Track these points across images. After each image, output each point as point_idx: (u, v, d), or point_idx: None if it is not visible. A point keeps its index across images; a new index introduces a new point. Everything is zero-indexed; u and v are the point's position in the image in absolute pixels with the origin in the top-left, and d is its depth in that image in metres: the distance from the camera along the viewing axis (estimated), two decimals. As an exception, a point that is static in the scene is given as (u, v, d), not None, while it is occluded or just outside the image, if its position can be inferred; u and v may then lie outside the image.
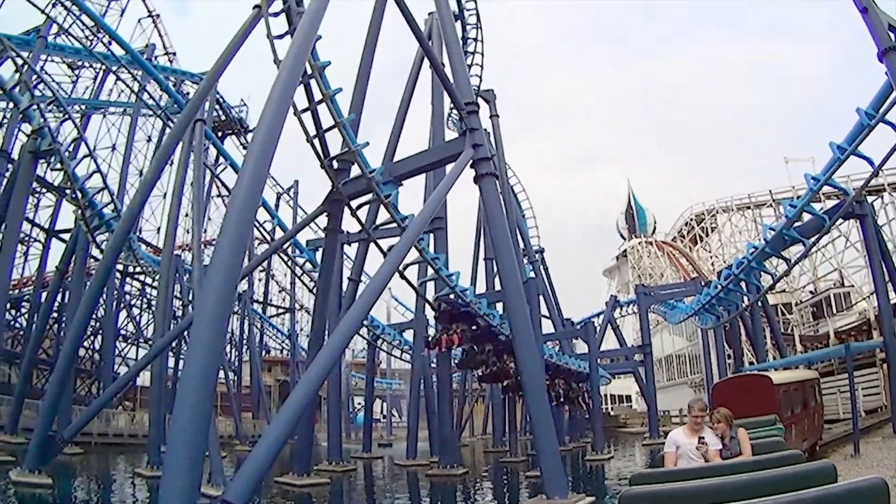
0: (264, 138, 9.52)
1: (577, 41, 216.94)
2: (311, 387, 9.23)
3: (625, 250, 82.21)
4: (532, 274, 34.35)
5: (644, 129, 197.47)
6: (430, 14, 23.60)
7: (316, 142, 15.20)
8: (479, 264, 35.88)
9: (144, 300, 43.62)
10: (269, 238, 34.59)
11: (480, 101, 27.37)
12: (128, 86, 35.44)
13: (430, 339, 18.72)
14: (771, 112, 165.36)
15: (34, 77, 22.51)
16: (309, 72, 14.04)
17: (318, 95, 14.67)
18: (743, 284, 30.58)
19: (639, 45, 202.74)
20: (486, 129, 18.31)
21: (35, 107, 19.72)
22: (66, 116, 21.87)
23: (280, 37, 14.88)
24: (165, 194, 42.46)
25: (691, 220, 73.00)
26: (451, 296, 18.50)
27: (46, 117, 20.06)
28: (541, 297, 31.26)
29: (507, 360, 20.47)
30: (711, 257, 71.62)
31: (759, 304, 33.11)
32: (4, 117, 35.13)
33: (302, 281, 34.00)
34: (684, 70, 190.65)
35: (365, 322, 26.36)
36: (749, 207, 66.71)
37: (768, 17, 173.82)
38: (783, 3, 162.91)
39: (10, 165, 28.13)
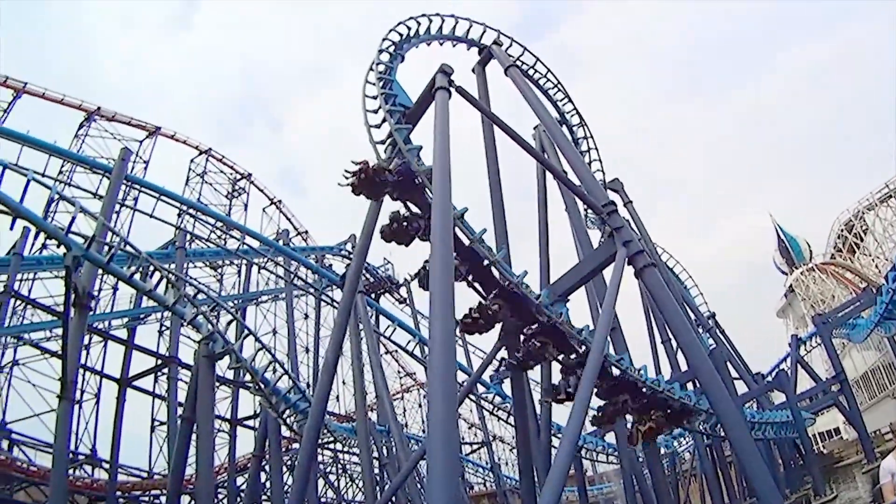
0: (441, 300, 9.81)
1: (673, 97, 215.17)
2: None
3: (790, 285, 79.07)
4: (711, 341, 33.58)
5: (761, 160, 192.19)
6: (535, 128, 24.07)
7: (476, 283, 15.48)
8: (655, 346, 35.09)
9: (339, 466, 44.59)
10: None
11: (610, 192, 27.55)
12: (272, 272, 37.47)
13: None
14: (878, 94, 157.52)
15: (187, 286, 24.02)
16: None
17: (464, 240, 14.98)
18: (912, 278, 29.33)
19: (731, 79, 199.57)
20: (625, 218, 18.32)
21: (201, 316, 20.67)
22: (232, 318, 23.03)
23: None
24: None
25: (842, 230, 70.16)
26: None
27: (213, 322, 21.02)
28: (727, 363, 30.46)
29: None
30: (874, 260, 68.37)
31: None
32: (163, 325, 37.56)
33: (495, 414, 34.19)
34: (778, 87, 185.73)
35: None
36: (891, 196, 64.04)
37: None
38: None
39: (180, 368, 29.96)
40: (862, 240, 69.37)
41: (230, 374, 30.97)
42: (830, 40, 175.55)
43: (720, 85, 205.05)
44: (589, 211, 24.28)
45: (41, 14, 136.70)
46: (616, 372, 16.09)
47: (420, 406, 65.02)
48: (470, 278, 14.81)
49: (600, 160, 29.23)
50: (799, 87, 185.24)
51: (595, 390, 16.35)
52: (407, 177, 14.58)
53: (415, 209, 14.55)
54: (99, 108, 41.38)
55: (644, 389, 16.38)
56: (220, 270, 44.14)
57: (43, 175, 27.94)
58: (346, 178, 14.53)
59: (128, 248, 18.78)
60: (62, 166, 33.05)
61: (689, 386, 23.43)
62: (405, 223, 14.34)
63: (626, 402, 16.05)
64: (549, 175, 22.19)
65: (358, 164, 14.51)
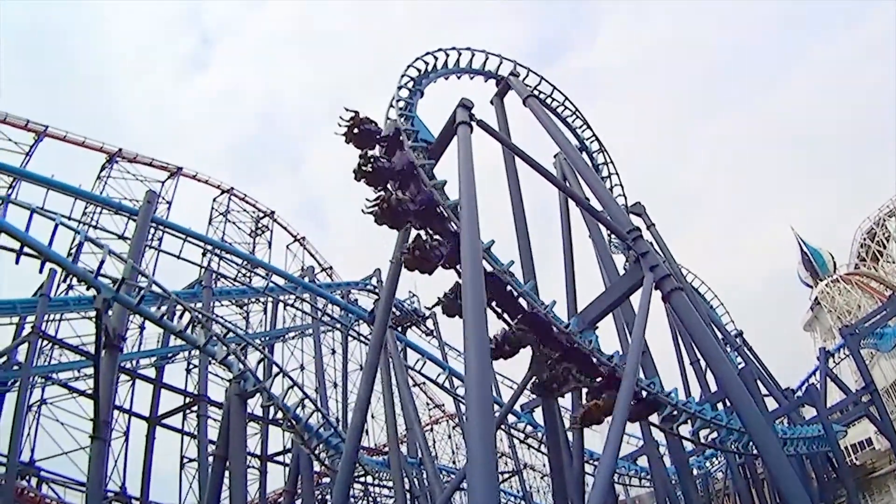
0: (476, 337, 10.02)
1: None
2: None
3: (816, 298, 78.31)
4: (739, 359, 33.43)
5: (781, 172, 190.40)
6: (555, 156, 24.13)
7: (506, 315, 15.58)
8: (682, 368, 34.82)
9: (369, 499, 44.49)
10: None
11: (633, 216, 27.62)
12: (299, 309, 37.64)
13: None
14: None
15: (217, 326, 24.19)
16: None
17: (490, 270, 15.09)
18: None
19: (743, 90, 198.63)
20: (649, 242, 18.33)
21: (232, 355, 20.73)
22: (262, 357, 23.13)
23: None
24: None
25: (864, 239, 69.65)
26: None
27: (244, 361, 21.10)
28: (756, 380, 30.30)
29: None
30: (898, 268, 67.98)
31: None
32: (190, 364, 37.76)
33: (525, 443, 34.12)
34: (795, 95, 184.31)
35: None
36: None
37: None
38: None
39: (211, 407, 30.11)
40: (885, 247, 68.98)
41: (259, 410, 31.09)
42: (847, 42, 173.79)
43: (737, 97, 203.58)
44: (612, 235, 24.37)
45: (60, 59, 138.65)
46: (565, 340, 15.38)
47: (449, 437, 64.75)
48: (499, 309, 14.96)
49: (621, 185, 29.49)
50: (815, 95, 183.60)
51: (547, 361, 15.77)
52: (394, 136, 15.39)
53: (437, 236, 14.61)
54: (120, 150, 41.60)
55: (598, 365, 15.46)
56: (245, 308, 44.47)
57: (69, 218, 28.31)
58: (341, 125, 15.48)
59: (157, 289, 18.99)
60: (85, 207, 33.30)
61: (720, 406, 23.35)
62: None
63: (567, 370, 15.39)
64: (571, 202, 22.33)
65: (350, 112, 15.57)
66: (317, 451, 22.56)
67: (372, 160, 14.82)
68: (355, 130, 15.56)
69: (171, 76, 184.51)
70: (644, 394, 15.89)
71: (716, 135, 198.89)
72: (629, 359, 13.14)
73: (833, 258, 78.62)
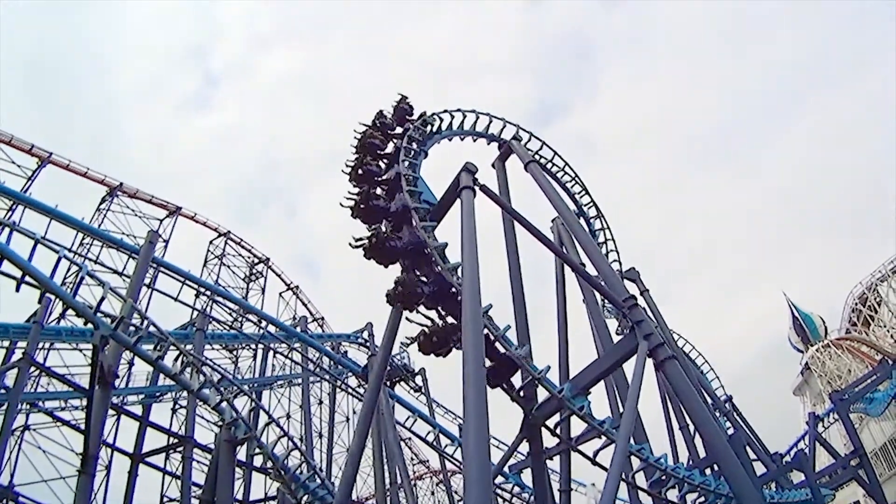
0: (475, 404, 10.23)
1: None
2: None
3: (806, 363, 78.15)
4: (728, 425, 33.50)
5: (774, 237, 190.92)
6: (553, 221, 24.49)
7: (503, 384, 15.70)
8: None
9: (353, 555, 44.20)
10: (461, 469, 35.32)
11: (627, 282, 27.80)
12: (289, 358, 37.65)
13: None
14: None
15: (211, 371, 24.19)
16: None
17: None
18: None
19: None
20: (643, 308, 18.50)
21: (225, 401, 20.74)
22: (255, 405, 23.17)
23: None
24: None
25: (856, 303, 69.89)
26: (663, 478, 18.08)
27: (236, 408, 21.09)
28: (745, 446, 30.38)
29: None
30: (888, 331, 68.08)
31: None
32: (177, 403, 37.56)
33: (510, 503, 34.01)
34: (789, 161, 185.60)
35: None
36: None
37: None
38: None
39: (195, 450, 29.93)
40: (876, 312, 69.11)
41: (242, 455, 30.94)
42: (844, 105, 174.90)
43: (734, 162, 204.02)
44: (607, 302, 24.57)
45: (64, 90, 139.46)
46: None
47: (433, 493, 64.46)
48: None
49: (617, 250, 29.75)
50: (811, 159, 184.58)
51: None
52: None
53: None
54: (121, 185, 41.43)
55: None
56: (235, 353, 44.22)
57: (69, 250, 28.40)
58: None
59: (154, 330, 19.11)
60: (83, 239, 33.40)
61: (708, 471, 23.41)
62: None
63: (422, 283, 14.96)
64: (567, 267, 22.54)
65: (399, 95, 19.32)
66: (303, 502, 22.53)
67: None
68: (404, 106, 19.21)
69: (174, 114, 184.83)
70: (501, 349, 15.41)
71: (712, 199, 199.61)
72: (622, 426, 13.22)
73: (824, 323, 78.28)
